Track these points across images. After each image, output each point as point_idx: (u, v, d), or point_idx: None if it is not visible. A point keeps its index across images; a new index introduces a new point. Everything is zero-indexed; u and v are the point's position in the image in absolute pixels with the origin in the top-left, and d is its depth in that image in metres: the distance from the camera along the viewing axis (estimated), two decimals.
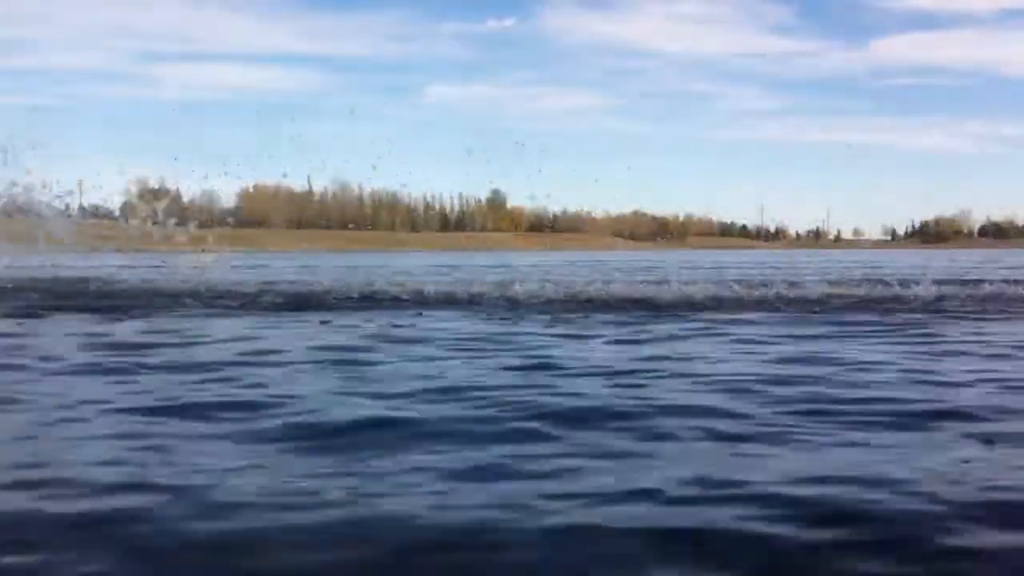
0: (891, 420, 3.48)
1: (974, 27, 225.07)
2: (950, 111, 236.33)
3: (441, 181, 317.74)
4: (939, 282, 14.17)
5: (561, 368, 4.86)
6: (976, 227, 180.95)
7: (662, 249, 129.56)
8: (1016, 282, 12.73)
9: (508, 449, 3.03)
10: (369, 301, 10.21)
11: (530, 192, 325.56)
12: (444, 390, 4.13)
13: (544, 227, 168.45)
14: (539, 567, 2.05)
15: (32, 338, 6.66)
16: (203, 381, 4.37)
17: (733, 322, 7.73)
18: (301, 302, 10.01)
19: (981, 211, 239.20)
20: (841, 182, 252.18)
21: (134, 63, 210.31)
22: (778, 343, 6.19)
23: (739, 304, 9.63)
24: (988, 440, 3.15)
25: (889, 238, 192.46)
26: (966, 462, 2.88)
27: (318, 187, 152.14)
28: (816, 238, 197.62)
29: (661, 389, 4.20)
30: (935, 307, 9.60)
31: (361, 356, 5.39)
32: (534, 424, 3.37)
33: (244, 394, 4.01)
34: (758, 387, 4.19)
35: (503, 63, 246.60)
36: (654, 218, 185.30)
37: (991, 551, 2.14)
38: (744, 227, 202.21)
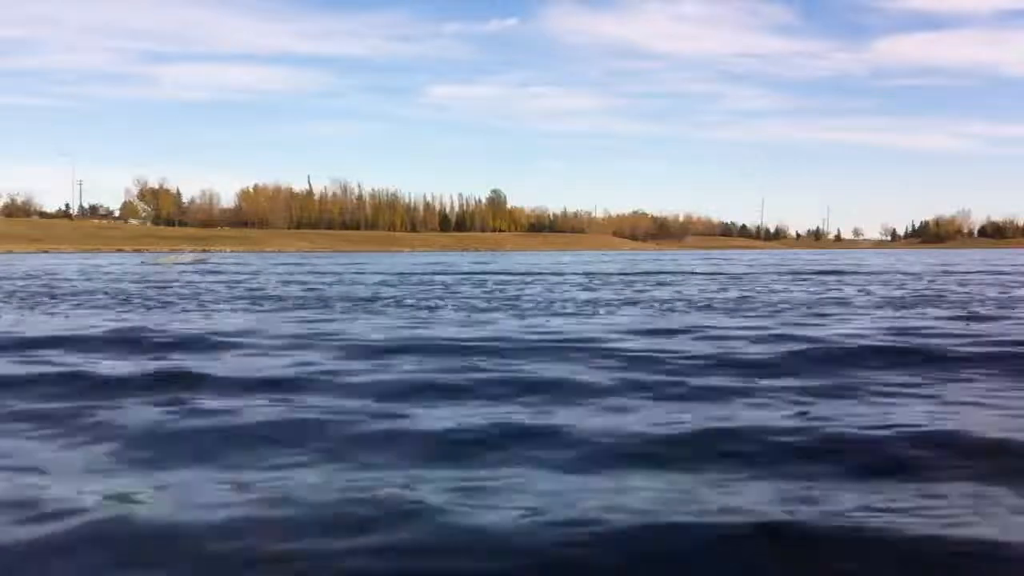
0: None
1: (974, 27, 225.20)
2: (950, 111, 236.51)
3: (441, 181, 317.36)
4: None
5: None
6: (976, 227, 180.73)
7: (662, 249, 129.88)
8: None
9: None
10: None
11: (530, 192, 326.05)
12: None
13: (544, 227, 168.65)
14: None
15: None
16: None
17: None
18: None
19: (981, 211, 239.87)
20: (841, 182, 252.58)
21: (134, 63, 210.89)
22: None
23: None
24: None
25: (889, 238, 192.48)
26: None
27: (318, 187, 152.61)
28: (816, 238, 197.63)
29: None
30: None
31: None
32: None
33: None
34: None
35: (505, 63, 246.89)
36: (654, 218, 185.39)
37: None
38: (744, 227, 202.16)
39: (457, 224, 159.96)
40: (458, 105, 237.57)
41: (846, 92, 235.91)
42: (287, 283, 20.13)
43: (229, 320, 10.23)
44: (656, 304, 12.82)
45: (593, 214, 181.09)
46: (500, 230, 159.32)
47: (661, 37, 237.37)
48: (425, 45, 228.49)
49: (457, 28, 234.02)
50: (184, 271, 31.22)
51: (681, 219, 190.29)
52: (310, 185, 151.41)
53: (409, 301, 13.88)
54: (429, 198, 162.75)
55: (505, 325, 9.39)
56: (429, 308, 12.27)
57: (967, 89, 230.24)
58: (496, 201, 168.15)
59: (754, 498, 3.05)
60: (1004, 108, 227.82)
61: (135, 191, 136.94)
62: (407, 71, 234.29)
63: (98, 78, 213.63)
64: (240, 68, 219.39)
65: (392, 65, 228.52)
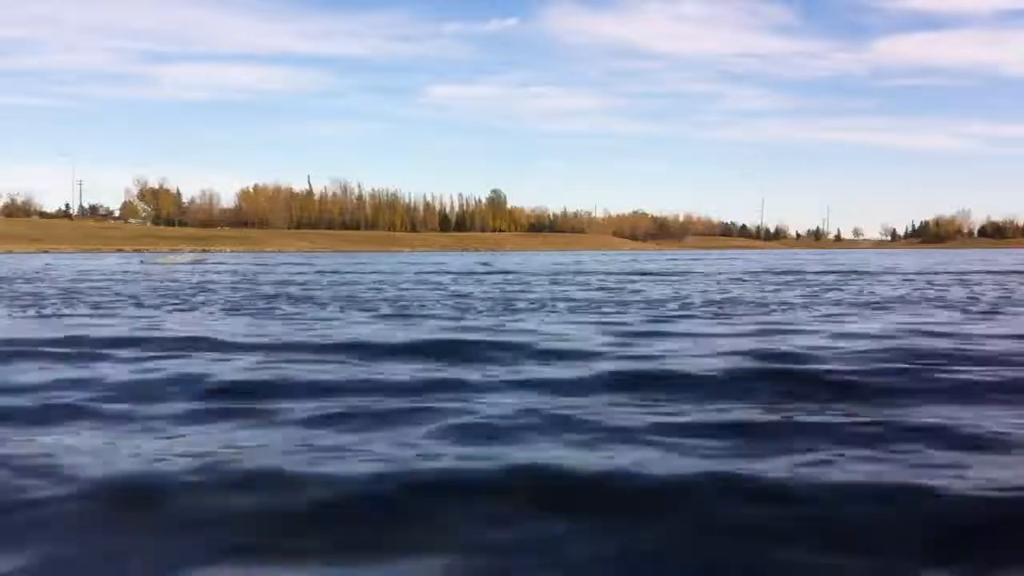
0: None
1: (974, 27, 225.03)
2: (950, 111, 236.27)
3: (441, 181, 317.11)
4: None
5: None
6: (976, 227, 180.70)
7: (662, 249, 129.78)
8: None
9: None
10: None
11: (530, 192, 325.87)
12: None
13: (544, 227, 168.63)
14: None
15: None
16: None
17: None
18: None
19: (981, 211, 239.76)
20: (841, 182, 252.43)
21: (134, 63, 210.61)
22: None
23: None
24: None
25: (889, 238, 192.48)
26: None
27: (318, 187, 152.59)
28: (816, 238, 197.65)
29: None
30: None
31: None
32: None
33: None
34: None
35: (505, 63, 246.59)
36: (654, 218, 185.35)
37: None
38: (744, 227, 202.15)
39: (457, 224, 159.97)
40: (458, 105, 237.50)
41: (846, 92, 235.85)
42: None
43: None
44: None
45: (593, 214, 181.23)
46: (500, 230, 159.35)
47: (661, 37, 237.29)
48: (425, 45, 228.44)
49: (457, 28, 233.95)
50: (184, 271, 31.24)
51: (681, 219, 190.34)
52: (310, 185, 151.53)
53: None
54: (429, 198, 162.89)
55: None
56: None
57: (967, 89, 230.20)
58: (496, 201, 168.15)
59: None
60: (1004, 108, 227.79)
61: (135, 191, 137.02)
62: (407, 71, 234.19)
63: (98, 78, 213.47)
64: (240, 68, 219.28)
65: (392, 65, 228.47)
